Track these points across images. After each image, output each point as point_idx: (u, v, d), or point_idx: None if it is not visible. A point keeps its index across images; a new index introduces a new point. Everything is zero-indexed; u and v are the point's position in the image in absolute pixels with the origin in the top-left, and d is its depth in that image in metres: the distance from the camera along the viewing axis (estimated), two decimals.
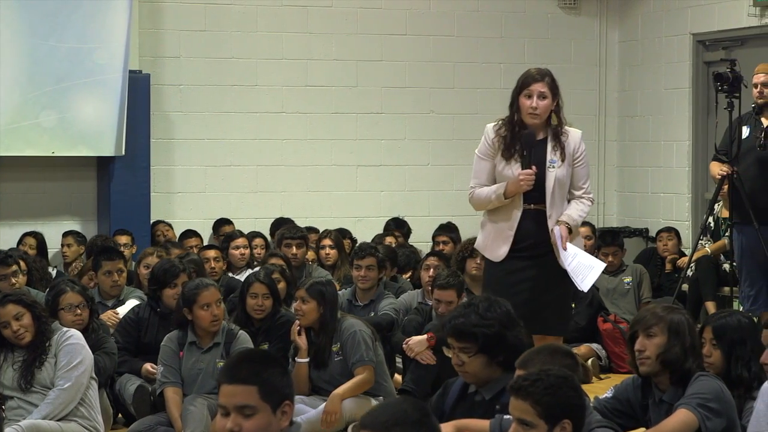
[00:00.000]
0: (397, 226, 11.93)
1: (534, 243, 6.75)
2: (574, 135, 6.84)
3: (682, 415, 5.09)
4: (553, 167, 6.72)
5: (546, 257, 6.74)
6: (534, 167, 6.66)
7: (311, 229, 11.19)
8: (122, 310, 8.31)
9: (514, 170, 6.70)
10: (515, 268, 6.77)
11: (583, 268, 6.72)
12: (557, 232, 6.67)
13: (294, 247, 9.82)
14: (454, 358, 5.23)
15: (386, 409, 3.43)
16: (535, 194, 6.72)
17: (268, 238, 11.20)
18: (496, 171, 6.77)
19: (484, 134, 6.84)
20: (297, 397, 6.92)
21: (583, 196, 6.85)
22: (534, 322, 6.71)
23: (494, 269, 6.87)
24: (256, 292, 7.78)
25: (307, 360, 7.31)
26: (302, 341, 7.36)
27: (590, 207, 6.92)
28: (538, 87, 6.72)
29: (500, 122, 6.82)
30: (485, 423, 4.96)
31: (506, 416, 4.56)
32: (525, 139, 6.72)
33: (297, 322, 7.34)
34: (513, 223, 6.75)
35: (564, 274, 6.78)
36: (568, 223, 6.70)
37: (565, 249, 6.65)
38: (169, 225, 11.60)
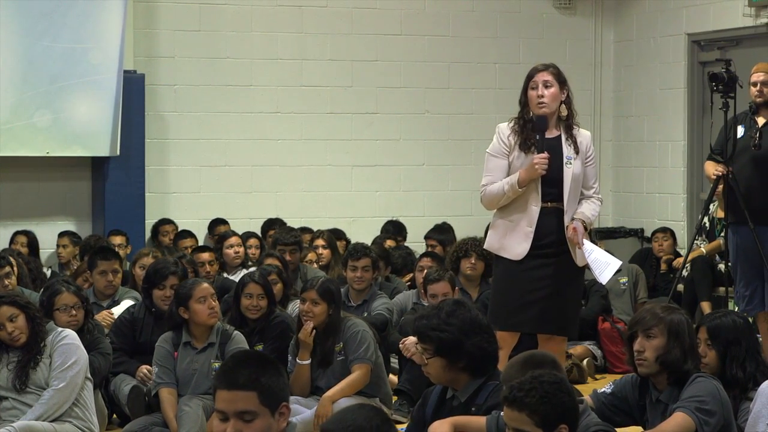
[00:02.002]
0: (397, 231, 11.82)
1: (553, 241, 6.72)
2: (585, 134, 6.90)
3: (679, 418, 5.08)
4: (570, 163, 6.73)
5: (563, 256, 6.73)
6: (546, 152, 6.64)
7: (305, 230, 11.16)
8: (117, 311, 8.28)
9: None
10: (533, 266, 6.72)
11: (600, 263, 6.73)
12: (579, 228, 6.65)
13: (288, 254, 9.76)
14: (417, 357, 5.23)
15: (347, 415, 3.41)
16: (553, 191, 6.72)
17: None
18: (513, 167, 6.74)
19: (496, 133, 6.85)
20: (292, 397, 6.89)
21: (593, 195, 6.87)
22: (544, 322, 6.71)
23: (510, 268, 6.78)
24: (251, 292, 7.75)
25: (309, 361, 7.27)
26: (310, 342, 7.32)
27: (600, 207, 6.94)
28: (542, 76, 6.75)
29: (513, 120, 6.84)
30: (482, 420, 4.95)
31: (503, 413, 4.54)
32: (537, 123, 6.72)
33: (310, 323, 7.25)
34: (532, 220, 6.71)
35: (578, 274, 6.81)
36: (583, 221, 6.72)
37: (582, 245, 6.65)
38: (174, 224, 11.57)
